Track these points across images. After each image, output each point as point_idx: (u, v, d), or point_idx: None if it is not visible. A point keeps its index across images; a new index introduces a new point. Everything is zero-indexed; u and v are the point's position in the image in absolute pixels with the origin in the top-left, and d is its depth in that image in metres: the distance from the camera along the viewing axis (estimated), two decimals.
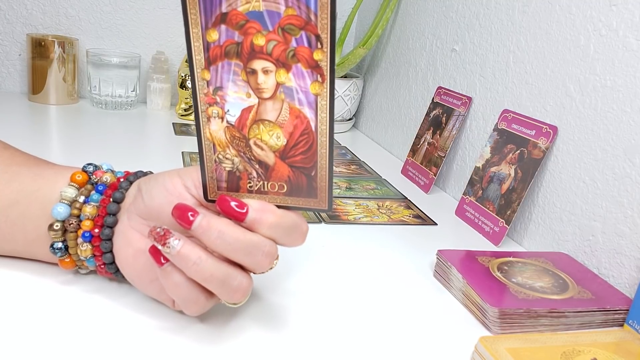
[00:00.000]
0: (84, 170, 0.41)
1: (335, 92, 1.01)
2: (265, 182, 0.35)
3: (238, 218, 0.34)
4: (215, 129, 0.35)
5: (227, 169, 0.36)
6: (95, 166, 0.42)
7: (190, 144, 0.85)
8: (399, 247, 0.57)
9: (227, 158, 0.35)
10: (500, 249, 0.60)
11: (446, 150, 0.75)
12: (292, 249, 0.53)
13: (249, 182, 0.36)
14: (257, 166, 0.35)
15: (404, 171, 0.83)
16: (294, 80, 0.32)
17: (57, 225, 0.39)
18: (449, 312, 0.46)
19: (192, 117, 1.00)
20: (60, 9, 1.02)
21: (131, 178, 0.41)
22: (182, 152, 0.79)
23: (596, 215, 0.53)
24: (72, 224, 0.39)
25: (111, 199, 0.39)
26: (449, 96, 0.78)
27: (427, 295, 0.48)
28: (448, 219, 0.67)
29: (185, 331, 0.38)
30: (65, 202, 0.39)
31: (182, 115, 1.01)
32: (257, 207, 0.35)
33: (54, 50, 0.96)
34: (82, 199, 0.39)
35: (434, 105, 0.81)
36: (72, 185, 0.40)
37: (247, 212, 0.34)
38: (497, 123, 0.67)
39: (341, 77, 1.04)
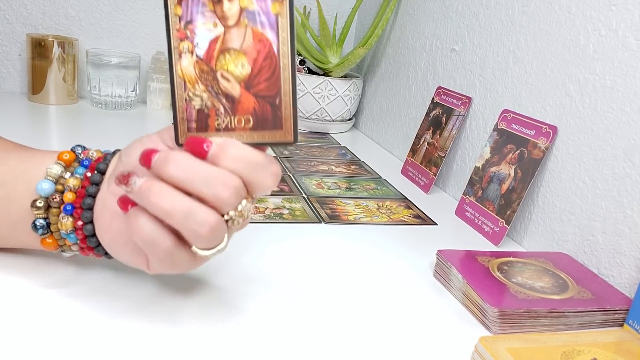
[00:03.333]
0: (72, 150, 0.41)
1: (336, 92, 1.01)
2: (232, 118, 0.36)
3: (201, 154, 0.34)
4: (186, 65, 0.36)
5: (197, 107, 0.36)
6: (84, 147, 0.42)
7: None
8: (399, 247, 0.57)
9: (196, 95, 0.36)
10: (500, 249, 0.60)
11: (446, 150, 0.75)
12: (291, 248, 0.53)
13: (217, 119, 0.36)
14: (224, 100, 0.36)
15: (404, 171, 0.83)
16: (256, 3, 0.33)
17: (40, 202, 0.39)
18: (449, 312, 0.46)
19: None
20: (60, 9, 1.02)
21: (117, 151, 0.41)
22: None
23: (596, 215, 0.53)
24: (55, 199, 0.39)
25: (95, 170, 0.39)
26: (449, 96, 0.78)
27: (427, 296, 0.48)
28: (448, 219, 0.67)
29: (175, 331, 0.38)
30: (50, 178, 0.39)
31: None
32: (219, 142, 0.35)
33: (54, 50, 0.96)
34: (67, 175, 0.39)
35: (434, 105, 0.81)
36: (59, 163, 0.40)
37: (209, 147, 0.34)
38: (496, 123, 0.67)
39: (341, 77, 1.04)
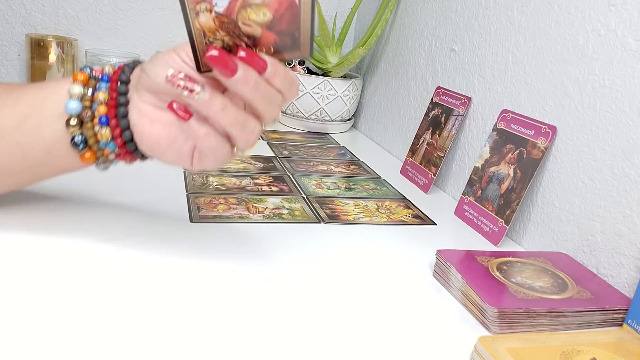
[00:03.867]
0: (82, 71, 0.44)
1: (335, 92, 1.01)
2: (254, 48, 0.39)
3: (259, 69, 0.38)
4: (204, 20, 0.38)
5: (219, 46, 0.39)
6: (92, 67, 0.45)
7: None
8: (399, 247, 0.58)
9: (217, 39, 0.39)
10: (500, 249, 0.60)
11: (445, 150, 0.75)
12: (290, 248, 0.53)
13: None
14: (245, 39, 0.38)
15: (403, 171, 0.83)
16: None
17: (73, 120, 0.43)
18: (449, 312, 0.46)
19: None
20: (59, 9, 1.02)
21: (131, 64, 0.45)
22: None
23: (595, 215, 0.53)
24: (87, 114, 0.43)
25: (118, 82, 0.43)
26: (448, 96, 0.78)
27: (427, 295, 0.48)
28: (447, 219, 0.67)
29: (175, 329, 0.38)
30: (75, 97, 0.43)
31: None
32: (271, 62, 0.39)
33: (53, 50, 0.96)
34: (90, 91, 0.43)
35: (433, 105, 0.81)
36: (78, 83, 0.43)
37: (266, 65, 0.39)
38: (496, 123, 0.67)
39: (340, 77, 1.04)
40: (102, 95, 0.43)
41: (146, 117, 0.42)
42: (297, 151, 0.89)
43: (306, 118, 1.03)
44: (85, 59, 0.99)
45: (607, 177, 0.52)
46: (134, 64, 0.45)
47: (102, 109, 0.43)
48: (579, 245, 0.55)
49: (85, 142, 0.43)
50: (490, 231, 0.62)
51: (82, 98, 0.43)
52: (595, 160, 0.54)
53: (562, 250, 0.57)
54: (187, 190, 0.64)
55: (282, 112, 1.06)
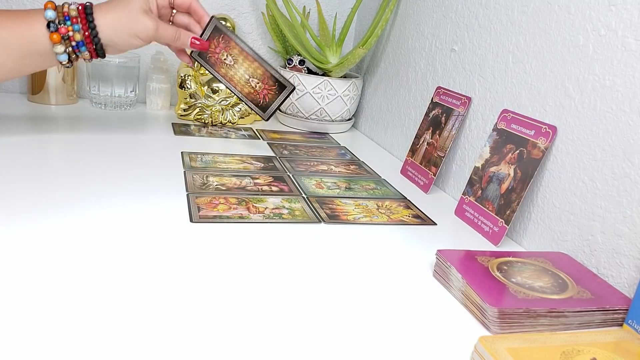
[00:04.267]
0: (54, 31, 0.65)
1: (335, 92, 1.01)
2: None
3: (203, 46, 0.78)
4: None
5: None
6: (56, 25, 0.65)
7: (189, 144, 0.85)
8: (399, 247, 0.58)
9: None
10: (500, 249, 0.60)
11: (445, 150, 0.75)
12: (290, 248, 0.53)
13: None
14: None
15: (404, 171, 0.83)
16: None
17: (65, 61, 0.68)
18: (449, 312, 0.46)
19: (191, 117, 1.00)
20: None
21: (90, 18, 0.66)
22: (182, 152, 0.79)
23: (595, 215, 0.53)
24: (74, 57, 0.68)
25: (94, 45, 0.68)
26: (449, 96, 0.78)
27: (427, 295, 0.48)
28: (447, 219, 0.67)
29: (175, 326, 0.38)
30: (63, 53, 0.66)
31: (181, 116, 1.01)
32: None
33: None
34: (70, 48, 0.67)
35: (434, 105, 0.81)
36: (58, 44, 0.66)
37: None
38: (496, 123, 0.67)
39: (341, 77, 1.04)
40: (86, 55, 0.68)
41: (118, 50, 0.71)
42: (297, 151, 0.89)
43: (306, 118, 1.03)
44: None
45: (608, 177, 0.52)
46: (90, 16, 0.66)
47: (86, 55, 0.69)
48: (579, 245, 0.55)
49: (70, 59, 0.68)
50: (491, 231, 0.62)
51: (66, 51, 0.67)
52: (596, 160, 0.54)
53: (562, 250, 0.57)
54: (187, 190, 0.64)
55: (282, 112, 1.06)
